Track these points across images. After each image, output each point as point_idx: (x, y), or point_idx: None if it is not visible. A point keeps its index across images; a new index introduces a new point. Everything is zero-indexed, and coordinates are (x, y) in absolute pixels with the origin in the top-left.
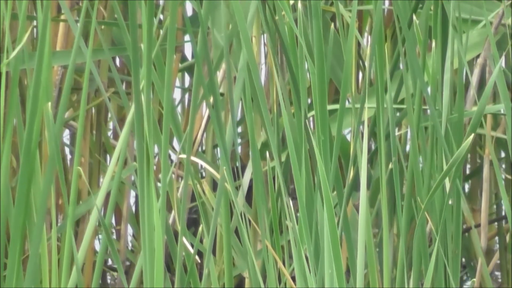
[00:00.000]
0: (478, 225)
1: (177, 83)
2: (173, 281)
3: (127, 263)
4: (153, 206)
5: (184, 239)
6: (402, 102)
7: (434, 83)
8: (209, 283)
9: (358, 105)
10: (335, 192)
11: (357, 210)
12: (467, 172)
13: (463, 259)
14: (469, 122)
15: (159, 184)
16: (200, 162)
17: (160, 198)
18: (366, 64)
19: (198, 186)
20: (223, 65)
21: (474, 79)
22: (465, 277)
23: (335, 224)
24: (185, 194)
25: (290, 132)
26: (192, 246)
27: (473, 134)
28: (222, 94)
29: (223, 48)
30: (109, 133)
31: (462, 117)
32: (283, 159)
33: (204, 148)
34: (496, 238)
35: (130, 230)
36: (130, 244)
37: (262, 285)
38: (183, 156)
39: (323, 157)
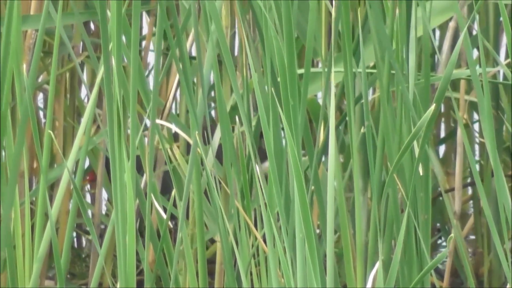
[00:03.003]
0: (452, 189)
1: (151, 46)
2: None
3: (102, 226)
4: (124, 170)
5: (156, 203)
6: (368, 67)
7: (401, 49)
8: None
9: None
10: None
11: None
12: (442, 135)
13: (438, 223)
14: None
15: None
16: (168, 125)
17: (130, 161)
18: (332, 28)
19: (169, 150)
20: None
21: (446, 43)
22: (439, 241)
23: (304, 189)
24: (151, 157)
25: (260, 95)
26: (166, 210)
27: (434, 105)
28: (194, 58)
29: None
30: (84, 97)
31: (428, 82)
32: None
33: (178, 111)
34: (471, 202)
35: (105, 195)
36: (105, 208)
37: (234, 248)
38: (159, 121)
39: (293, 121)
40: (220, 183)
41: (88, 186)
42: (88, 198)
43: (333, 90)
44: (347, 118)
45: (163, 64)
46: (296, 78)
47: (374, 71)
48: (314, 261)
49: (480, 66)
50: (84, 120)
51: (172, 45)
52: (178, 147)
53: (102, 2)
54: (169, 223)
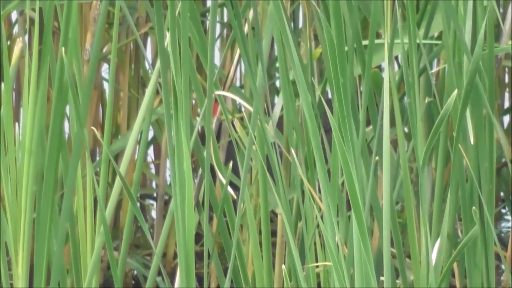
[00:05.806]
0: None
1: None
2: (212, 216)
3: (166, 197)
4: (182, 140)
5: (219, 172)
6: (432, 38)
7: (463, 21)
8: (244, 217)
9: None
10: (370, 127)
11: (394, 146)
12: (506, 105)
13: (502, 193)
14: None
15: (199, 119)
16: (229, 95)
17: (184, 132)
18: None
19: (231, 122)
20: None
21: (509, 13)
22: (503, 211)
23: (349, 164)
24: (209, 127)
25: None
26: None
27: (456, 90)
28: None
29: None
30: (149, 68)
31: (492, 53)
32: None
33: (242, 83)
34: None
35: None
36: (169, 179)
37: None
38: (219, 92)
39: (343, 98)
40: (281, 154)
41: (152, 156)
42: (152, 169)
43: (393, 62)
44: None
45: (227, 35)
46: (344, 55)
47: (439, 42)
48: (363, 232)
49: None
50: (148, 91)
51: (231, 16)
52: (242, 118)
53: None
54: (233, 193)
